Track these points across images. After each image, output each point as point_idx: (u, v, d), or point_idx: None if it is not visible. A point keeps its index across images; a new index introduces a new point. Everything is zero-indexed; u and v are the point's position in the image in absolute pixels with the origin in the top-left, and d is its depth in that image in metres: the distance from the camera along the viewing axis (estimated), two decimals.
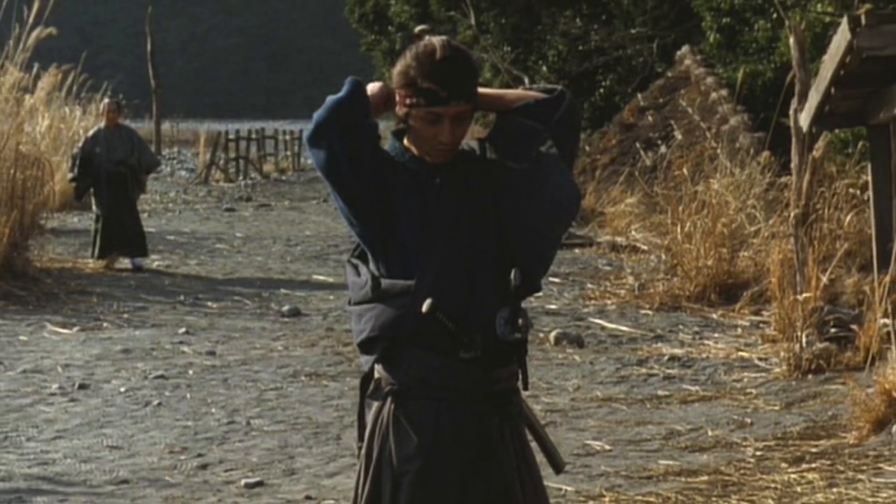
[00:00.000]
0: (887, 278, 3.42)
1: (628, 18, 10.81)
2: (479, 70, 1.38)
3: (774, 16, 7.56)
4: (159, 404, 3.46)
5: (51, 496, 2.62)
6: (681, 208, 5.26)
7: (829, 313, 3.84)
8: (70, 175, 6.40)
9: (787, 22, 5.02)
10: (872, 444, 2.90)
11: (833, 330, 3.79)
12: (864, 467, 2.72)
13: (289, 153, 17.56)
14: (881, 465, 2.73)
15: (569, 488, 2.60)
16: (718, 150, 6.21)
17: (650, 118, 9.04)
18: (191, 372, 3.91)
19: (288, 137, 17.80)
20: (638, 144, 8.74)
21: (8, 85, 5.72)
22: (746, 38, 8.15)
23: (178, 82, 41.22)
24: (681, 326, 4.68)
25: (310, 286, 5.84)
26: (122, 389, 3.65)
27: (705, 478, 2.68)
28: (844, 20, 3.29)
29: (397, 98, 1.35)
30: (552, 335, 4.44)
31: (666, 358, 4.09)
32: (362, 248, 1.38)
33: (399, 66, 1.34)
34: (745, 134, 7.32)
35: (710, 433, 3.10)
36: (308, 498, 2.60)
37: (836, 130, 5.43)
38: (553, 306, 5.17)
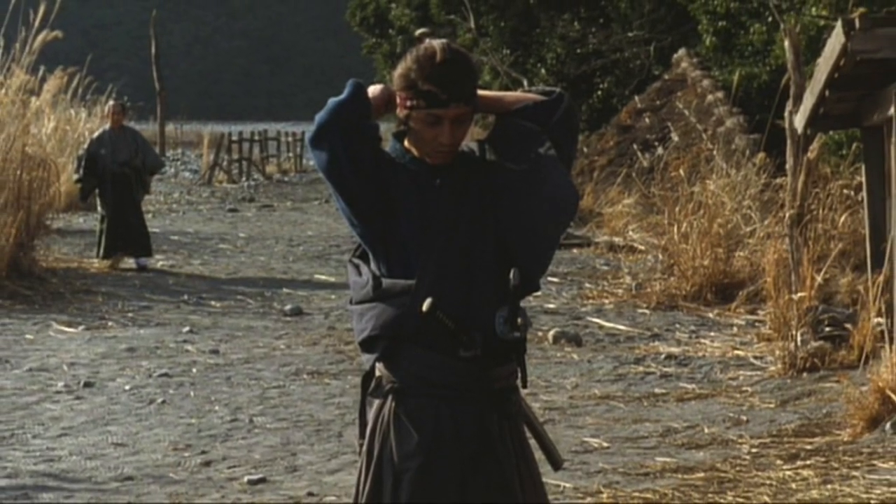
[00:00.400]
0: (881, 278, 3.43)
1: (626, 22, 10.86)
2: (478, 72, 1.40)
3: (770, 19, 7.61)
4: (163, 402, 3.49)
5: (56, 493, 2.64)
6: (677, 209, 5.29)
7: (823, 312, 3.87)
8: (75, 176, 6.42)
9: (783, 25, 5.07)
10: (866, 441, 2.92)
11: (827, 329, 3.82)
12: (858, 464, 2.74)
13: (291, 154, 17.57)
14: (875, 462, 2.75)
15: (567, 485, 2.62)
16: (714, 152, 6.23)
17: (647, 120, 9.08)
18: (194, 370, 3.95)
19: (290, 139, 17.79)
20: (635, 146, 8.76)
21: (14, 87, 5.74)
22: (742, 41, 8.21)
23: (182, 85, 41.26)
24: (677, 325, 4.71)
25: (312, 286, 5.87)
26: (127, 387, 3.68)
27: (701, 474, 2.70)
28: (839, 24, 3.31)
29: (398, 100, 1.37)
30: (551, 334, 4.47)
31: (663, 356, 4.12)
32: (363, 249, 1.40)
33: (400, 69, 1.36)
34: (741, 136, 7.35)
35: (706, 430, 3.12)
36: (310, 494, 2.61)
37: (831, 132, 5.47)
38: (552, 305, 5.20)
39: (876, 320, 3.51)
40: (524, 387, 1.39)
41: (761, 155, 5.89)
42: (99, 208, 6.32)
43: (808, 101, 3.91)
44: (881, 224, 3.66)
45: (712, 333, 4.53)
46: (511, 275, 1.34)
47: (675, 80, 9.32)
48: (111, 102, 6.83)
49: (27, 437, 3.13)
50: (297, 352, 4.28)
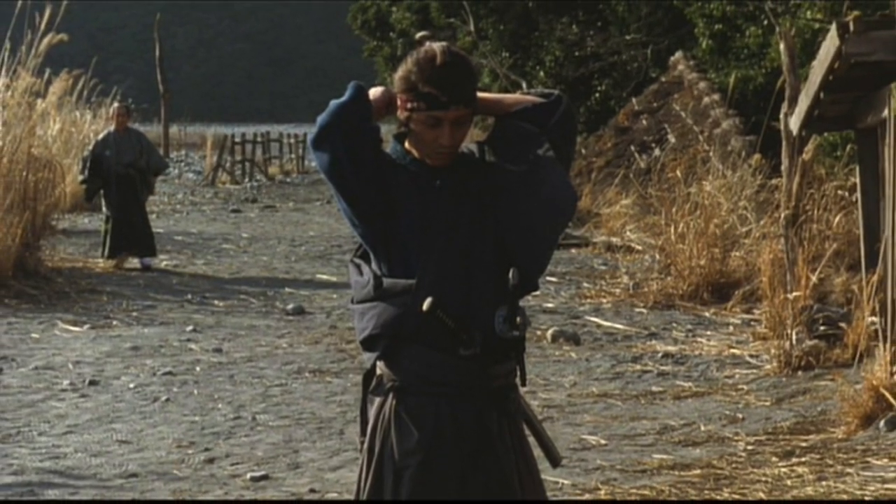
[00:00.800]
0: (875, 277, 3.44)
1: (623, 25, 10.89)
2: (478, 75, 1.42)
3: (765, 22, 7.61)
4: (167, 400, 3.52)
5: (62, 489, 2.67)
6: (674, 209, 5.32)
7: (818, 311, 3.90)
8: (81, 177, 6.49)
9: (778, 28, 5.11)
10: (860, 438, 2.95)
11: (822, 328, 3.85)
12: (853, 461, 2.77)
13: (293, 156, 17.61)
14: (869, 459, 2.78)
15: (565, 482, 2.64)
16: (711, 153, 6.29)
17: (644, 122, 9.10)
18: (198, 368, 3.98)
19: (292, 140, 17.83)
20: (632, 147, 8.80)
21: (20, 89, 5.78)
22: (738, 44, 8.20)
23: (186, 87, 41.62)
24: (674, 324, 4.74)
25: (313, 285, 5.91)
26: (132, 386, 3.71)
27: (698, 471, 2.72)
28: (833, 27, 3.34)
29: (399, 102, 1.38)
30: (549, 333, 4.49)
31: (660, 355, 4.15)
32: (364, 249, 1.41)
33: (400, 72, 1.38)
34: (737, 137, 7.35)
35: (702, 428, 3.15)
36: (312, 491, 2.64)
37: (826, 134, 5.47)
38: (550, 305, 5.22)
39: (870, 319, 3.53)
40: (523, 385, 1.41)
41: (757, 156, 5.92)
42: (104, 209, 6.38)
43: (803, 103, 3.93)
44: (875, 224, 3.67)
45: (709, 332, 4.56)
46: (510, 274, 1.36)
47: (671, 82, 9.34)
48: (116, 104, 6.86)
49: (33, 434, 3.16)
50: (299, 350, 4.31)
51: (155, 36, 17.04)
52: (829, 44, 3.40)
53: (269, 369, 3.99)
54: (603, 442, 3.04)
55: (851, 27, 3.26)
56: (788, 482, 2.64)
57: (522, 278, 1.37)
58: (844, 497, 2.53)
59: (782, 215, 4.31)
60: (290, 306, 5.23)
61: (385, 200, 1.37)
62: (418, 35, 1.55)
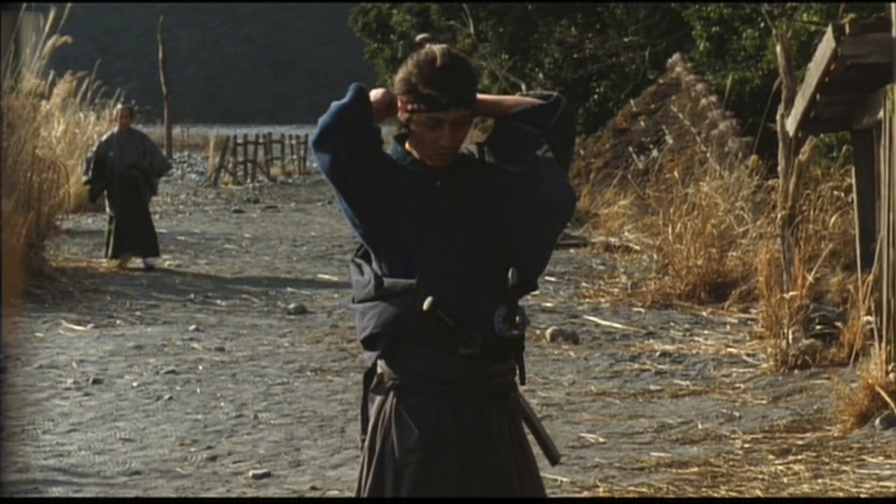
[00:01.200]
0: (870, 277, 3.47)
1: (621, 27, 10.92)
2: (477, 77, 1.47)
3: (762, 25, 7.63)
4: (170, 398, 3.55)
5: (66, 487, 2.69)
6: (672, 210, 5.35)
7: (814, 311, 3.92)
8: (84, 178, 6.52)
9: (774, 31, 5.13)
10: (856, 436, 2.98)
11: (818, 327, 3.86)
12: (849, 459, 2.79)
13: (295, 157, 17.66)
14: (864, 457, 2.81)
15: (564, 479, 2.67)
16: (708, 154, 6.36)
17: (642, 123, 9.12)
18: (200, 367, 4.01)
19: (294, 142, 17.87)
20: (631, 148, 8.82)
21: (25, 91, 5.83)
22: (735, 46, 8.21)
23: (189, 89, 41.86)
24: (672, 323, 4.77)
25: (315, 285, 5.95)
26: (135, 384, 3.74)
27: (695, 469, 2.75)
28: (829, 29, 3.37)
29: (399, 104, 1.40)
30: (548, 332, 4.51)
31: (658, 354, 4.17)
32: (365, 249, 1.43)
33: (401, 73, 1.39)
34: (734, 138, 7.36)
35: (699, 426, 3.18)
36: (313, 489, 2.66)
37: (822, 135, 5.48)
38: (549, 304, 5.25)
39: (865, 318, 3.55)
40: (522, 383, 1.42)
41: (754, 157, 5.92)
42: (107, 209, 6.41)
43: (800, 104, 3.96)
44: (871, 224, 3.69)
45: (706, 331, 4.58)
46: (509, 274, 1.37)
47: (669, 84, 9.34)
48: (119, 106, 6.88)
49: (37, 432, 3.18)
50: (300, 349, 4.34)
51: (158, 38, 17.08)
52: (825, 46, 3.43)
53: (270, 368, 4.02)
54: (601, 440, 3.07)
55: (847, 29, 3.28)
56: (785, 480, 2.66)
57: (522, 278, 1.38)
58: (840, 495, 2.55)
59: (779, 216, 4.34)
60: (291, 306, 5.26)
61: (386, 201, 1.39)
62: (418, 37, 1.58)
